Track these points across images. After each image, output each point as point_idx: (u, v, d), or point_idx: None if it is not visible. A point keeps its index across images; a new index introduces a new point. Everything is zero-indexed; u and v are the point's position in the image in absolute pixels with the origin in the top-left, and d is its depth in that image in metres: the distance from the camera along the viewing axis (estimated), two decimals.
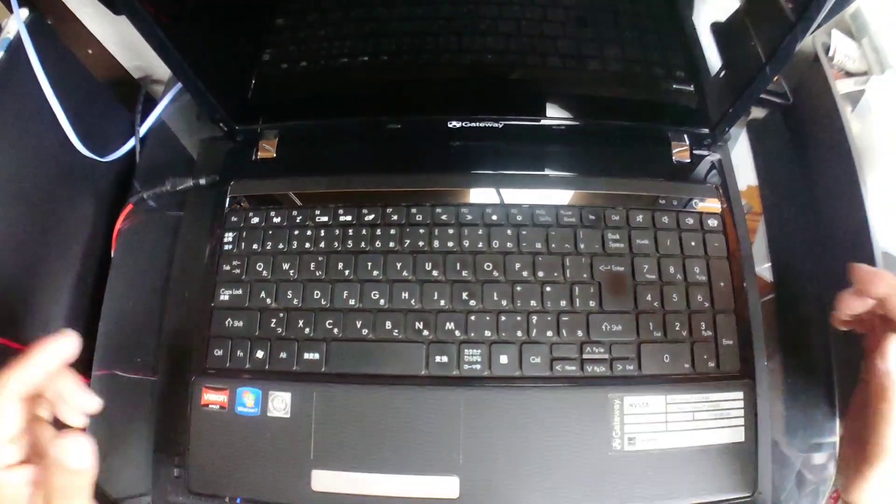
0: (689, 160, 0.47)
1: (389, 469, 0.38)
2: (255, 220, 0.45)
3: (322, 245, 0.43)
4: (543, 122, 0.47)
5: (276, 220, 0.44)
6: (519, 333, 0.40)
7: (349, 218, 0.44)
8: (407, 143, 0.48)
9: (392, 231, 0.43)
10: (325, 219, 0.44)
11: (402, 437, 0.39)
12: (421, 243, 0.43)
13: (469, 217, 0.44)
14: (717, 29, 0.39)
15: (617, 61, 0.43)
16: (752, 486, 0.38)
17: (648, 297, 0.41)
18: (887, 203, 0.43)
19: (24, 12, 0.43)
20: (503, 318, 0.41)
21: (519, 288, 0.41)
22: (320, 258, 0.43)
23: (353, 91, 0.47)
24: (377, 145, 0.49)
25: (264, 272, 0.43)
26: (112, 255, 0.48)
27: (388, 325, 0.41)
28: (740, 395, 0.39)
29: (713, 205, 0.44)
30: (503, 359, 0.40)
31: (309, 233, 0.44)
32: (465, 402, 0.39)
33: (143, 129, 0.53)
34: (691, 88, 0.44)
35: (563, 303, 0.41)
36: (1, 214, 0.42)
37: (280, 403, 0.40)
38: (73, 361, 0.30)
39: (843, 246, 0.43)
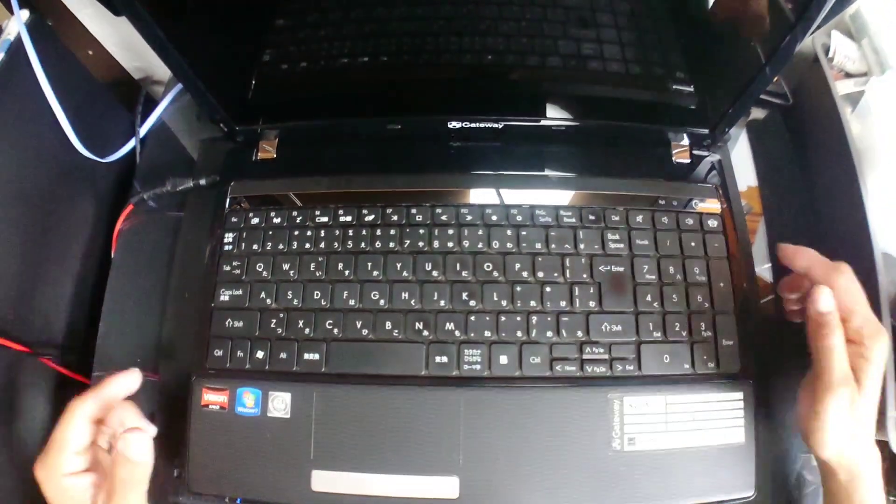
0: (688, 160, 0.47)
1: (389, 469, 0.38)
2: (256, 220, 0.45)
3: (322, 245, 0.43)
4: (543, 122, 0.47)
5: (277, 220, 0.44)
6: (519, 334, 0.40)
7: (349, 218, 0.44)
8: (407, 144, 0.48)
9: (392, 231, 0.43)
10: (325, 219, 0.44)
11: (402, 438, 0.39)
12: (421, 244, 0.43)
13: (469, 217, 0.44)
14: (717, 29, 0.39)
15: (617, 62, 0.43)
16: (752, 487, 0.38)
17: (648, 298, 0.41)
18: (887, 203, 0.43)
19: (24, 14, 0.43)
20: (503, 319, 0.41)
21: (519, 288, 0.41)
22: (320, 258, 0.43)
23: (353, 91, 0.47)
24: (377, 146, 0.49)
25: (264, 272, 0.43)
26: (112, 256, 0.48)
27: (388, 325, 0.41)
28: (740, 395, 0.39)
29: (713, 205, 0.44)
30: (503, 359, 0.40)
31: (309, 233, 0.44)
32: (465, 403, 0.39)
33: (143, 130, 0.53)
34: (691, 89, 0.44)
35: (562, 303, 0.41)
36: (1, 215, 0.42)
37: (280, 404, 0.40)
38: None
39: (842, 246, 0.43)
